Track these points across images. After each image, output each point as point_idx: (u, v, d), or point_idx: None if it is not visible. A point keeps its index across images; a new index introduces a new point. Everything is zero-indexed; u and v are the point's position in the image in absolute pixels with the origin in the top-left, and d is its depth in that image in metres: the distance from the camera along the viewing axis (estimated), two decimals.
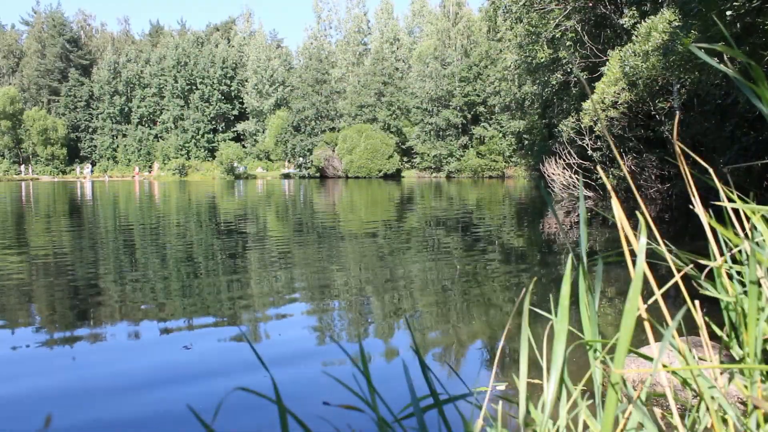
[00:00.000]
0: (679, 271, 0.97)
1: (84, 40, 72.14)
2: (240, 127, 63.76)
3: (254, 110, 62.73)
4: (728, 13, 7.89)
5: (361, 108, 51.76)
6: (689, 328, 1.21)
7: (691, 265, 1.01)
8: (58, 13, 68.90)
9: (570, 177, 17.23)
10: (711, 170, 1.00)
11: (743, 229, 1.00)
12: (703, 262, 0.98)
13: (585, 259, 0.86)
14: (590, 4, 18.02)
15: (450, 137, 47.74)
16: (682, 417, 0.91)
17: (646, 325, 0.90)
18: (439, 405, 0.85)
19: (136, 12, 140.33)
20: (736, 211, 0.94)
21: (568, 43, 18.87)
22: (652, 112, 15.01)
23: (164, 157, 63.00)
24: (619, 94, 14.42)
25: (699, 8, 8.38)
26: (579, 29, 18.42)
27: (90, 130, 67.22)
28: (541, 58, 20.03)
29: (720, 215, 1.07)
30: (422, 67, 48.70)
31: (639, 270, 0.70)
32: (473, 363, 3.37)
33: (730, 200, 0.93)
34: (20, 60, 71.08)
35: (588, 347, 0.92)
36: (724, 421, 0.85)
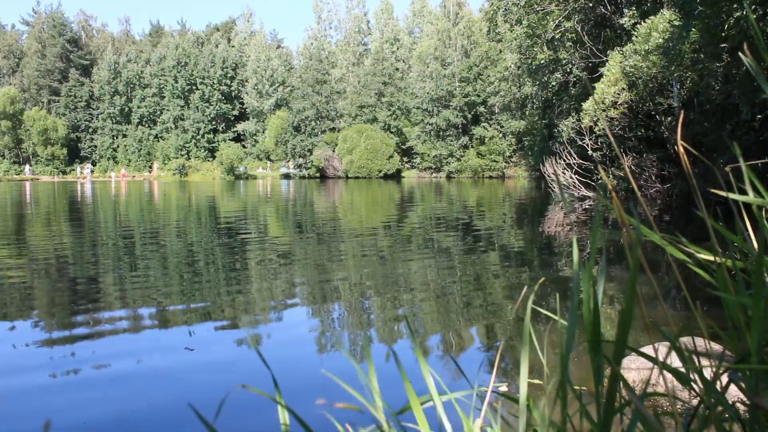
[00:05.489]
0: (679, 266, 0.97)
1: (84, 40, 72.10)
2: (240, 127, 63.75)
3: (254, 110, 62.71)
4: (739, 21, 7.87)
5: (362, 108, 51.74)
6: (689, 327, 1.20)
7: (693, 261, 1.01)
8: (58, 14, 68.89)
9: (570, 177, 17.22)
10: (715, 169, 1.00)
11: (745, 228, 1.00)
12: (705, 257, 0.98)
13: (593, 259, 0.86)
14: (590, 5, 18.02)
15: (450, 137, 47.74)
16: (682, 417, 0.90)
17: (647, 324, 0.90)
18: (439, 405, 0.85)
19: (136, 12, 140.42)
20: (738, 210, 0.94)
21: (568, 44, 18.88)
22: (653, 113, 15.01)
23: (164, 157, 62.97)
24: (619, 94, 14.42)
25: (702, 10, 8.38)
26: (579, 29, 18.42)
27: (90, 130, 67.20)
28: (541, 58, 20.04)
29: (721, 215, 1.06)
30: (422, 67, 48.69)
31: (635, 259, 0.70)
32: (474, 362, 3.37)
33: (739, 194, 0.93)
34: (20, 60, 71.04)
35: (588, 347, 0.92)
36: (725, 421, 0.85)
